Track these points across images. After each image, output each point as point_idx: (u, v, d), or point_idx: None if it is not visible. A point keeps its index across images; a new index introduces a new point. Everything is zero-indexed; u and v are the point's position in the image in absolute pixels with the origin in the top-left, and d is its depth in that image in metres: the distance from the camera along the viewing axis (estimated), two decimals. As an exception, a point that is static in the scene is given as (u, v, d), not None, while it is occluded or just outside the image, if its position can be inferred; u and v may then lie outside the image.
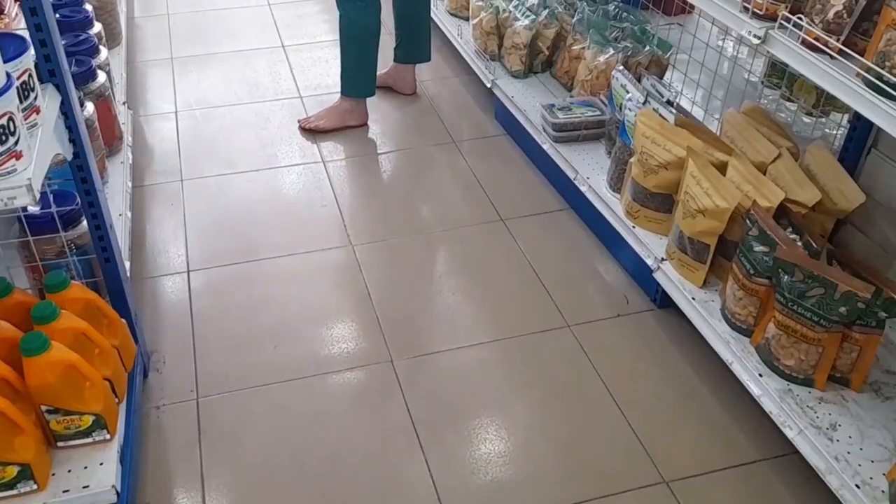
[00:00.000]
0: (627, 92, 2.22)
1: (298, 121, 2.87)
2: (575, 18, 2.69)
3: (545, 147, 2.51)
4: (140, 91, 3.10)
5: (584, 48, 2.63)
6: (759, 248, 1.69)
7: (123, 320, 1.76)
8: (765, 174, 1.89)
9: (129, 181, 2.37)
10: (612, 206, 2.20)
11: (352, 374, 1.94)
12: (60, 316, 1.55)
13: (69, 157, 1.52)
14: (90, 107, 2.19)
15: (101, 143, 2.26)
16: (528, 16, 2.73)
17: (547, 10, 2.75)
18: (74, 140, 1.53)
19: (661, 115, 2.07)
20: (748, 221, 1.73)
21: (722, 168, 1.92)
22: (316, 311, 2.12)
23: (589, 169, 2.35)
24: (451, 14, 3.23)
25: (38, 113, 1.34)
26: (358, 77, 2.80)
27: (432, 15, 3.27)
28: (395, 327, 2.06)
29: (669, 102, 2.17)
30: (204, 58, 3.34)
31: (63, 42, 2.45)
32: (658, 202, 2.05)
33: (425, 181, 2.66)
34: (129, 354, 1.76)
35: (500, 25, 2.84)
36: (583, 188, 2.33)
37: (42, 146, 1.33)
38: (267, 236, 2.38)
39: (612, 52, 2.51)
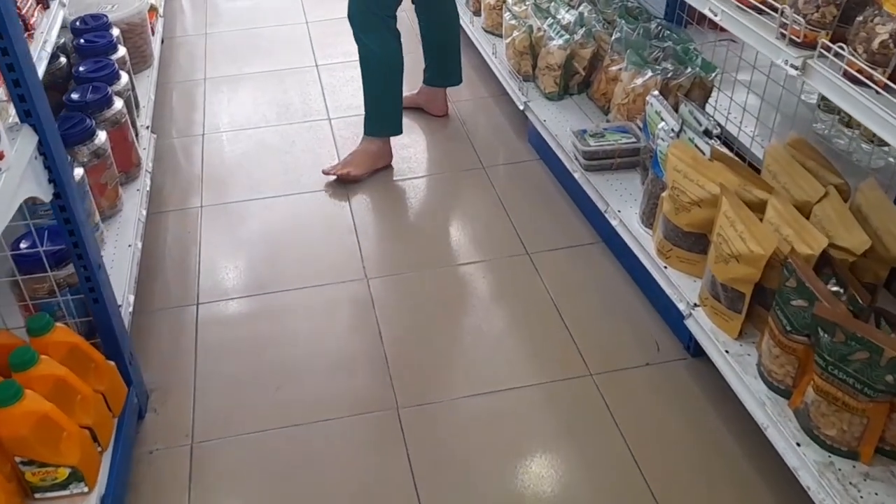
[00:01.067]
0: (661, 119, 2.06)
1: (323, 170, 2.64)
2: (613, 37, 2.52)
3: (576, 175, 2.35)
4: (168, 113, 3.07)
5: (621, 69, 2.47)
6: (796, 301, 1.51)
7: (113, 363, 1.69)
8: (808, 216, 1.70)
9: (145, 209, 2.32)
10: (644, 244, 2.03)
11: (354, 421, 1.83)
12: (39, 362, 1.49)
13: (47, 198, 1.46)
14: (102, 135, 2.15)
15: (114, 171, 2.22)
16: (562, 35, 2.58)
17: (583, 29, 2.59)
18: (55, 180, 1.47)
19: (696, 146, 1.90)
20: (785, 271, 1.54)
21: (760, 208, 1.74)
22: (323, 350, 2.02)
23: (621, 201, 2.19)
24: (487, 31, 3.10)
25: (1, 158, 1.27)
26: (383, 115, 2.65)
27: (467, 31, 3.16)
28: (405, 371, 1.94)
29: (707, 133, 2.00)
30: (237, 78, 3.29)
31: (82, 68, 2.48)
32: (691, 242, 1.88)
33: (450, 210, 2.53)
34: (118, 399, 1.69)
35: (535, 45, 2.70)
36: (613, 222, 2.16)
37: (5, 190, 1.26)
38: (281, 267, 2.29)
39: (650, 74, 2.34)
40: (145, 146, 2.55)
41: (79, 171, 1.92)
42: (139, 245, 2.17)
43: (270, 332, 2.08)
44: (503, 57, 2.85)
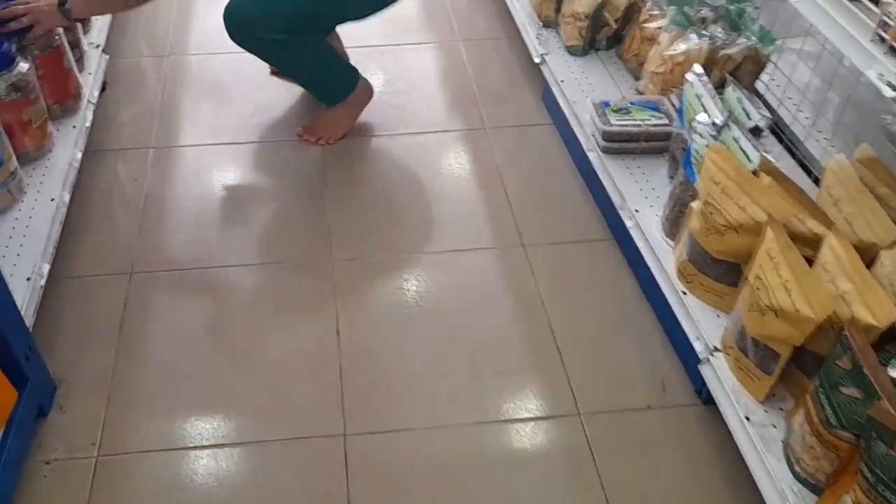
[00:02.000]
0: (702, 107, 1.67)
1: (297, 132, 2.24)
2: (654, -13, 2.10)
3: (591, 156, 1.98)
4: (129, 27, 2.65)
5: (660, 29, 2.05)
6: (848, 389, 1.18)
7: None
8: (873, 262, 1.34)
9: (81, 151, 1.97)
10: (662, 258, 1.68)
11: (291, 445, 1.54)
12: None
13: None
14: (24, 64, 1.78)
15: (41, 106, 1.86)
16: (594, -22, 2.15)
17: (622, -27, 2.16)
18: None
19: (742, 148, 1.52)
20: (839, 345, 1.20)
21: (814, 244, 1.38)
22: (265, 346, 1.71)
23: (640, 196, 1.82)
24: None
25: None
26: (332, 82, 2.20)
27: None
28: (358, 390, 1.63)
29: (757, 131, 1.61)
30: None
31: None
32: (721, 271, 1.53)
33: (436, 181, 2.14)
34: (4, 406, 1.40)
35: (564, -17, 2.28)
36: (628, 222, 1.80)
37: None
38: (233, 236, 1.95)
39: (694, 39, 1.93)
40: (93, 70, 2.18)
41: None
42: (66, 198, 1.83)
43: (208, 317, 1.77)
44: (524, -7, 2.43)
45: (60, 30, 1.93)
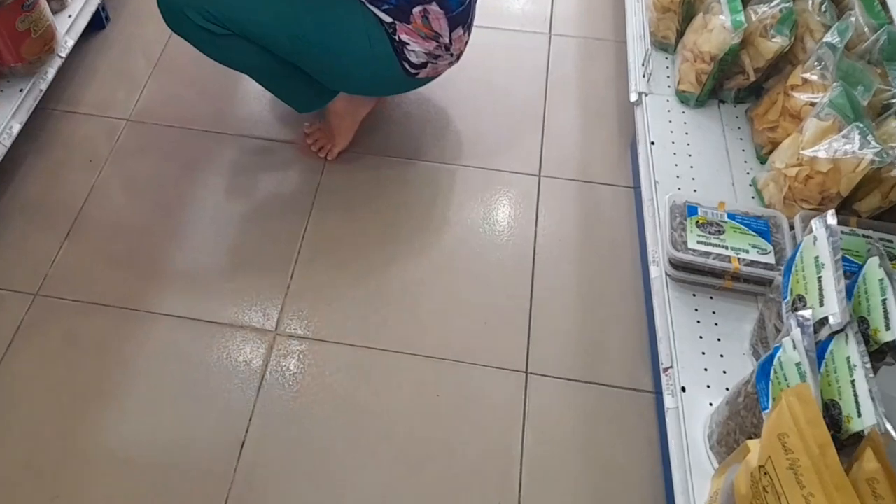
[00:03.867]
0: (818, 285, 1.06)
1: (304, 130, 1.76)
2: (823, 39, 1.40)
3: (652, 271, 1.39)
4: None
5: (811, 102, 1.38)
6: None
7: None
8: None
9: (19, 123, 1.59)
10: (695, 478, 1.13)
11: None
12: None
13: None
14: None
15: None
16: (738, 10, 1.46)
17: (782, 4, 1.47)
18: None
19: (853, 389, 0.93)
20: None
21: None
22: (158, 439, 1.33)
23: (698, 364, 1.24)
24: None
25: None
26: (296, 92, 1.62)
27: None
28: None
29: (887, 351, 1.01)
30: None
31: None
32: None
33: (460, 252, 1.61)
34: None
35: (695, 3, 1.60)
36: (668, 400, 1.24)
37: None
38: (173, 273, 1.55)
39: (856, 143, 1.26)
40: (74, 12, 1.77)
41: None
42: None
43: (107, 374, 1.41)
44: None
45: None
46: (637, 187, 1.67)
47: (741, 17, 1.44)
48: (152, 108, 1.79)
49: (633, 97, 1.65)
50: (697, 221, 1.33)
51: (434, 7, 1.41)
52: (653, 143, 1.55)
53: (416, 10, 1.40)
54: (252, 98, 1.83)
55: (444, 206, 1.66)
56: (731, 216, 1.34)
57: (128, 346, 1.43)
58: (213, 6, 1.40)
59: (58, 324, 1.46)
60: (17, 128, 1.58)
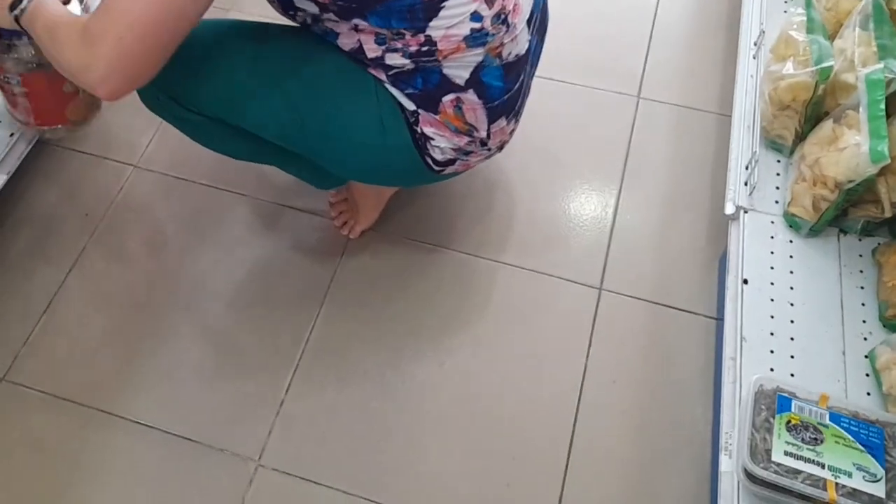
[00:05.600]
0: None
1: (329, 200, 1.51)
2: None
3: (722, 470, 1.09)
4: None
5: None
6: None
7: None
8: None
9: (5, 174, 1.39)
10: None
11: None
12: None
13: None
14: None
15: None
16: (880, 133, 1.11)
17: (942, 125, 1.11)
18: None
19: None
20: None
21: None
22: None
23: None
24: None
25: None
26: (307, 170, 1.35)
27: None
28: None
29: None
30: None
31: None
32: None
33: (487, 381, 1.32)
34: None
35: (821, 101, 1.25)
36: None
37: None
38: (160, 351, 1.34)
39: None
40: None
41: None
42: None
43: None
44: (762, 84, 1.40)
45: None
46: (720, 319, 1.35)
47: (884, 146, 1.09)
48: (162, 154, 1.57)
49: (730, 209, 1.31)
50: (789, 421, 1.02)
51: (470, 96, 1.11)
52: (746, 281, 1.22)
53: (448, 98, 1.10)
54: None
55: (475, 313, 1.39)
56: (836, 418, 1.02)
57: (91, 455, 1.24)
58: (183, 90, 1.14)
59: (21, 417, 1.28)
60: (2, 179, 1.38)
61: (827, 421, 1.02)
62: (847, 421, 1.02)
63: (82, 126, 1.44)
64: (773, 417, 1.02)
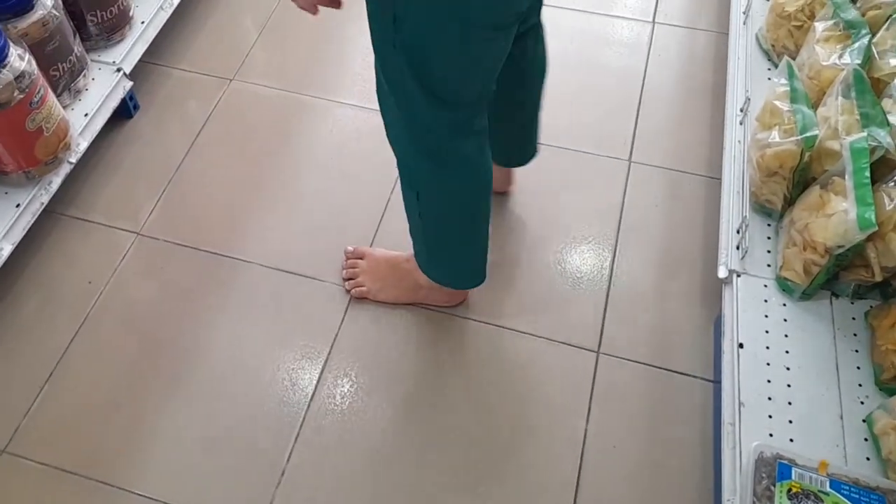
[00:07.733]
0: None
1: (346, 253, 1.54)
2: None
3: (726, 530, 1.10)
4: (178, 37, 1.95)
5: (959, 339, 1.06)
6: None
7: None
8: None
9: (11, 244, 1.41)
10: None
11: None
12: None
13: None
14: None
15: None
16: (866, 201, 1.15)
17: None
18: None
19: None
20: None
21: None
22: None
23: None
24: (763, 50, 1.63)
25: None
26: (455, 262, 1.40)
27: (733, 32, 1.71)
28: None
29: None
30: None
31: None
32: None
33: (481, 461, 1.33)
34: None
35: (813, 163, 1.29)
36: None
37: None
38: (160, 425, 1.34)
39: None
40: (90, 109, 1.57)
41: None
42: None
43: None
44: (749, 150, 1.44)
45: (33, 69, 1.35)
46: (718, 382, 1.37)
47: (871, 213, 1.12)
48: (166, 221, 1.59)
49: (723, 273, 1.34)
50: (790, 489, 1.03)
51: None
52: (741, 345, 1.24)
53: None
54: (282, 222, 1.61)
55: (473, 379, 1.40)
56: (836, 485, 1.03)
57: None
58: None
59: (21, 490, 1.27)
60: (7, 249, 1.40)
61: (828, 488, 1.03)
62: (848, 488, 1.03)
63: (54, 165, 1.47)
64: (774, 486, 1.03)
